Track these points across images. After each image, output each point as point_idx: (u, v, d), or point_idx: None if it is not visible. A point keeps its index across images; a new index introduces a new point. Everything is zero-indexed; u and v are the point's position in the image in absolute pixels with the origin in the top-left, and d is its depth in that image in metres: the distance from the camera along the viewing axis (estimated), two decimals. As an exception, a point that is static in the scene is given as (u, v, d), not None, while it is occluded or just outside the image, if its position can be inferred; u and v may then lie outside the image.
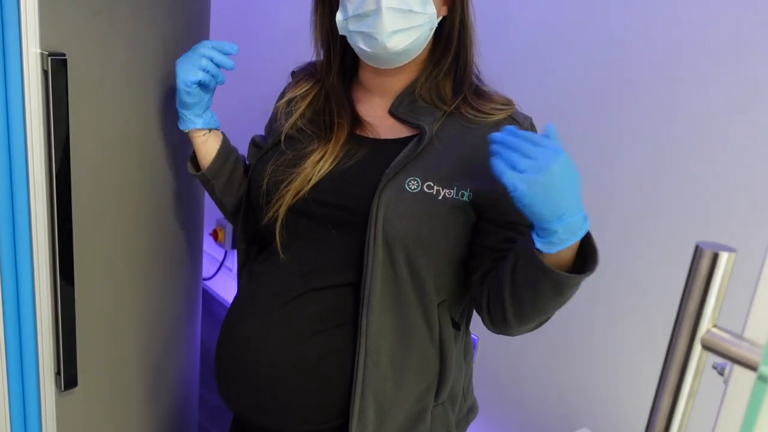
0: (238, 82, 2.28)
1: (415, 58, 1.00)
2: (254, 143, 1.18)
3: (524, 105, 1.07)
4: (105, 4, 1.08)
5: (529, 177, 0.78)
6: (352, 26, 0.95)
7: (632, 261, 1.32)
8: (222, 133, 1.17)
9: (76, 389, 1.17)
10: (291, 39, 2.03)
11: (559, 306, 0.91)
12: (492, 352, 1.60)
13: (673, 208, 1.25)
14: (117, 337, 1.26)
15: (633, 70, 1.29)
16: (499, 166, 0.80)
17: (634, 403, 1.34)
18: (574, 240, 0.82)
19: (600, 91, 1.34)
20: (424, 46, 0.99)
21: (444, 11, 1.00)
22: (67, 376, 1.14)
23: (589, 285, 1.40)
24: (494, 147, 0.83)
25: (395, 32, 0.93)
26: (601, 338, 1.39)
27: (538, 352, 1.51)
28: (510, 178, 0.79)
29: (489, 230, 0.98)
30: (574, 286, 0.86)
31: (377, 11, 0.91)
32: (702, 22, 1.18)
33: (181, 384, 1.50)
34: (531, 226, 0.87)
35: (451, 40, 1.01)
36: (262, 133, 1.22)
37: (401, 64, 1.00)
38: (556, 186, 0.78)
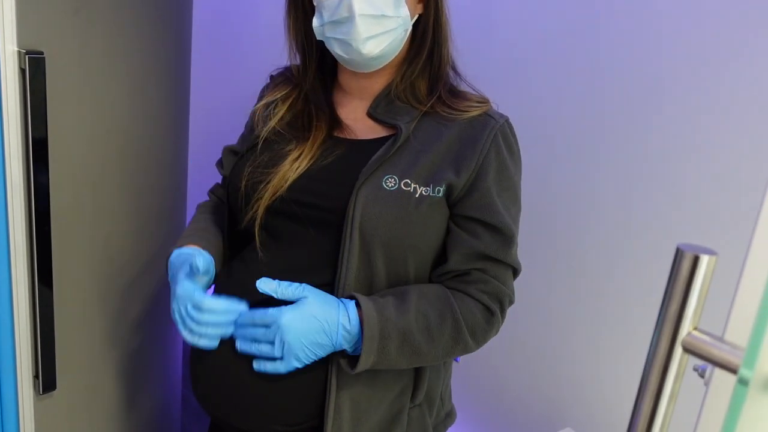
0: (222, 81, 2.27)
1: (392, 61, 1.01)
2: (232, 151, 1.17)
3: (507, 106, 1.06)
4: (84, 2, 1.07)
5: (288, 359, 0.91)
6: (329, 32, 0.97)
7: (615, 262, 1.33)
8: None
9: (54, 392, 1.15)
10: (275, 37, 2.01)
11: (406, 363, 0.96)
12: (475, 353, 1.60)
13: (656, 209, 1.26)
14: (96, 339, 1.25)
15: (616, 73, 1.29)
16: (264, 367, 0.93)
17: (618, 402, 1.34)
18: (355, 353, 0.93)
19: (582, 95, 1.35)
20: (401, 48, 1.00)
21: (419, 9, 1.00)
22: (46, 380, 1.12)
23: (573, 286, 1.41)
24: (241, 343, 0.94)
25: (370, 38, 0.94)
26: (584, 339, 1.40)
27: (523, 353, 1.51)
28: (284, 368, 0.92)
29: (449, 228, 0.99)
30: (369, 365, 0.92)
31: (351, 18, 0.93)
32: (684, 27, 1.19)
33: (163, 385, 1.48)
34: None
35: (425, 38, 1.02)
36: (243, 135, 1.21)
37: (379, 68, 1.01)
38: (303, 345, 0.90)
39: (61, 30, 1.05)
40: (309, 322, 0.89)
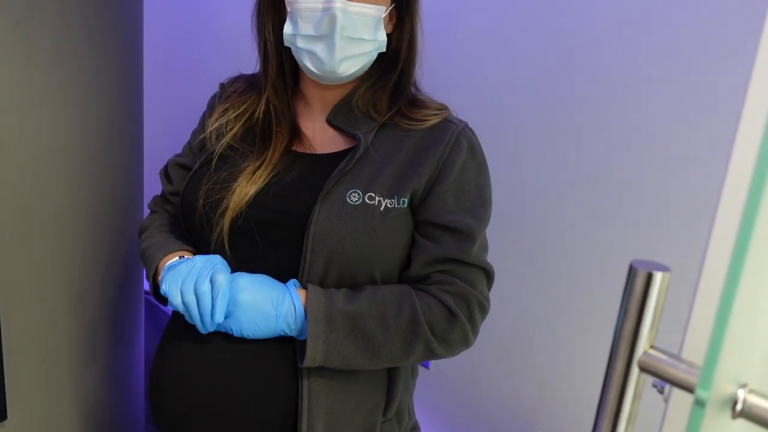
0: (176, 86, 2.23)
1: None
2: (180, 165, 1.13)
3: (465, 116, 1.05)
4: (25, 14, 1.03)
5: (231, 321, 0.89)
6: (301, 44, 0.94)
7: (583, 265, 1.32)
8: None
9: (5, 423, 1.11)
10: (229, 42, 1.98)
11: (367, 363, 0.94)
12: (447, 359, 1.59)
13: (614, 221, 1.26)
14: (50, 364, 1.20)
15: (571, 87, 1.29)
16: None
17: (590, 409, 1.34)
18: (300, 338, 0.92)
19: (538, 106, 1.34)
20: (369, 66, 0.99)
21: (390, 28, 1.00)
22: (-4, 409, 1.08)
23: (541, 291, 1.40)
24: None
25: (345, 59, 0.93)
26: (554, 344, 1.39)
27: (495, 358, 1.50)
28: (218, 321, 0.89)
29: (413, 237, 0.98)
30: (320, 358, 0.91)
31: (330, 37, 0.91)
32: (642, 38, 1.19)
33: (123, 412, 1.43)
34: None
35: (398, 59, 1.01)
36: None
37: (344, 82, 1.00)
38: (253, 314, 0.89)
39: (1, 44, 1.01)
40: (261, 290, 0.89)
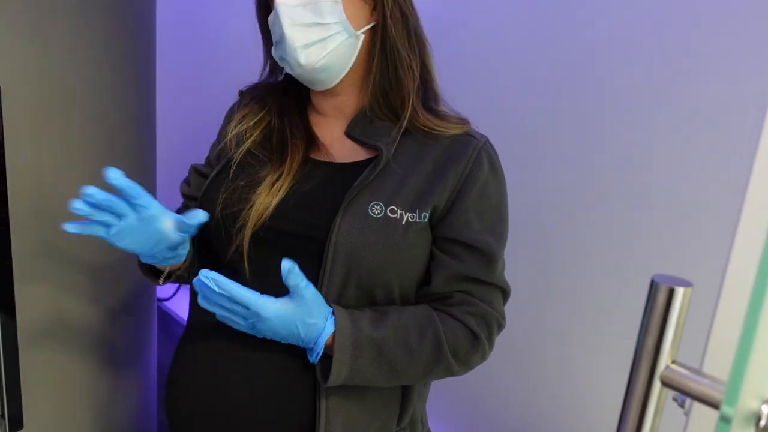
0: (190, 96, 2.24)
1: (354, 75, 0.98)
2: (198, 171, 1.13)
3: (471, 119, 1.05)
4: (40, 29, 1.04)
5: (251, 331, 0.88)
6: (275, 53, 0.98)
7: (602, 277, 1.32)
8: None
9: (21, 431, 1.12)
10: (241, 51, 1.99)
11: (388, 380, 0.94)
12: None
13: (630, 236, 1.25)
14: (64, 373, 1.21)
15: (584, 95, 1.28)
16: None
17: (609, 421, 1.33)
18: (314, 355, 0.90)
19: (552, 118, 1.33)
20: (353, 59, 0.97)
21: (373, 19, 0.97)
22: (12, 417, 1.08)
23: (553, 303, 1.40)
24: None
25: (305, 46, 0.93)
26: (575, 355, 1.38)
27: (510, 368, 1.50)
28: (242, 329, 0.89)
29: (431, 251, 0.97)
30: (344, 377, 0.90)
31: (283, 33, 0.93)
32: (657, 42, 1.18)
33: (136, 421, 1.44)
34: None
35: (385, 50, 0.97)
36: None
37: (336, 82, 0.98)
38: (274, 336, 0.88)
39: (17, 58, 1.02)
40: (289, 329, 0.86)
